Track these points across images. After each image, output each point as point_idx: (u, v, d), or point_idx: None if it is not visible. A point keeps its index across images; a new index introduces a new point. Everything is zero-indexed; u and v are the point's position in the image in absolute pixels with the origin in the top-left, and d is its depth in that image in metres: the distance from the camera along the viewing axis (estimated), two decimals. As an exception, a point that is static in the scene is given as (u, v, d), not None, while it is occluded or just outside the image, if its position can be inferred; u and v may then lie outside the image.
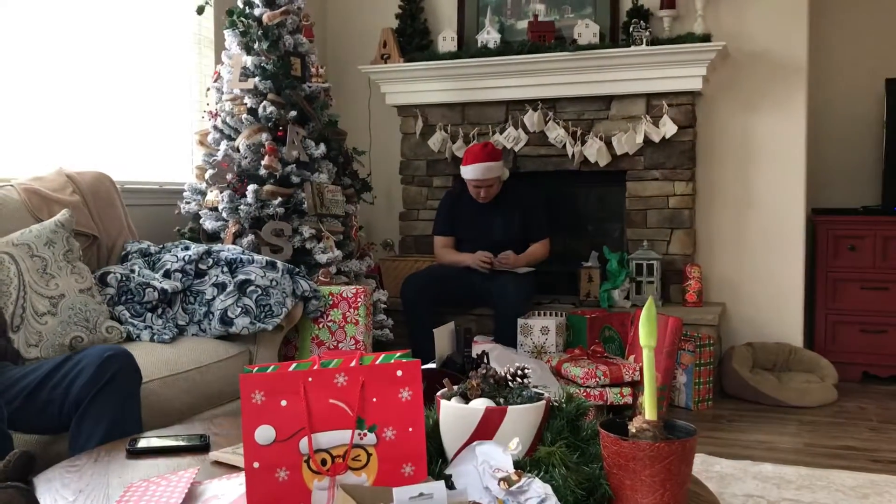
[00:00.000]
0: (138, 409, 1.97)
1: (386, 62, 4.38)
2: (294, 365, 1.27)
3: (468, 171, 3.88)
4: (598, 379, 3.18)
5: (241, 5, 3.42)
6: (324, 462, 1.22)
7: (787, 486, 2.59)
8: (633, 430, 1.21)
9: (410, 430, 1.24)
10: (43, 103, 3.07)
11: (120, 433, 1.83)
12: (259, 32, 3.34)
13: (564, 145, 4.15)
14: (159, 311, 2.69)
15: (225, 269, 2.80)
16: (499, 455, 1.23)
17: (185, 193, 3.46)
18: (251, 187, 3.20)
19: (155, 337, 2.56)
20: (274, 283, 2.76)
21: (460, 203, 4.05)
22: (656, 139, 4.01)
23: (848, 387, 3.90)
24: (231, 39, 3.42)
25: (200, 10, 3.52)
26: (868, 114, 4.42)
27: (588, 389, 3.18)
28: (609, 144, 4.09)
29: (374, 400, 1.24)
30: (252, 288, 2.73)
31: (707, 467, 2.75)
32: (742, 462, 2.82)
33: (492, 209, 3.97)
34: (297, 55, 3.45)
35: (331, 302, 2.97)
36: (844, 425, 3.34)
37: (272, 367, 1.25)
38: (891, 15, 4.40)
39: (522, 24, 4.33)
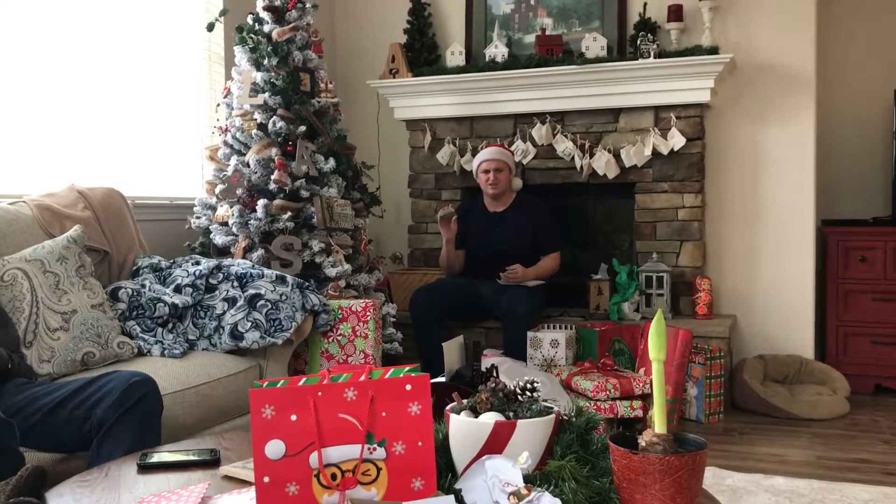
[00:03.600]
0: (158, 435, 2.00)
1: (394, 77, 4.41)
2: (304, 379, 1.27)
3: (479, 157, 3.98)
4: (608, 392, 3.17)
5: (250, 22, 3.46)
6: (334, 476, 1.23)
7: (799, 500, 2.57)
8: (644, 444, 1.21)
9: (420, 444, 1.24)
10: (54, 120, 3.10)
11: None
12: (269, 48, 3.37)
13: (573, 158, 4.16)
14: (170, 325, 2.71)
15: (235, 283, 2.81)
16: (508, 469, 1.23)
17: (195, 208, 3.48)
18: (261, 202, 3.22)
19: (166, 352, 2.57)
20: (284, 297, 2.77)
21: (471, 214, 4.07)
22: (665, 151, 4.02)
23: (860, 399, 3.88)
24: (241, 55, 3.45)
25: (210, 27, 3.55)
26: (877, 124, 4.41)
27: (598, 403, 3.17)
28: (617, 157, 4.09)
29: (384, 414, 1.24)
30: (262, 302, 2.74)
31: (718, 481, 2.73)
32: (754, 475, 2.80)
33: (503, 220, 3.99)
34: (307, 71, 3.47)
35: (340, 316, 2.97)
36: (857, 438, 3.32)
37: (282, 381, 1.26)
38: (899, 26, 4.41)
39: (530, 38, 4.35)
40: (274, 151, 3.31)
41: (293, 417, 1.22)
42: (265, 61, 3.37)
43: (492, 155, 3.93)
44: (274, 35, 3.37)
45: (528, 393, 1.43)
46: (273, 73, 3.35)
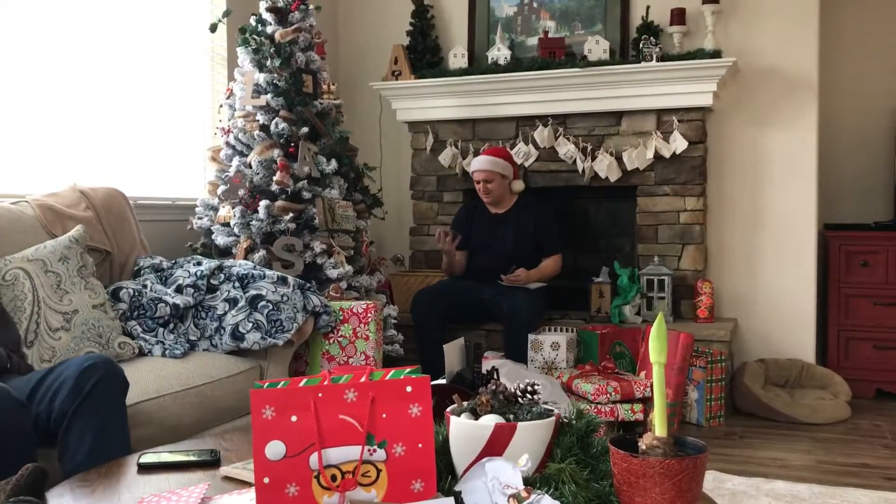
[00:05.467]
0: (124, 417, 1.92)
1: (397, 79, 4.41)
2: (304, 380, 1.27)
3: (472, 166, 3.99)
4: (608, 395, 3.17)
5: (253, 23, 3.46)
6: (334, 478, 1.23)
7: (800, 504, 2.57)
8: (644, 447, 1.21)
9: (420, 445, 1.25)
10: (57, 120, 3.11)
11: (106, 444, 1.81)
12: (271, 50, 3.37)
13: (575, 161, 4.16)
14: (171, 326, 2.71)
15: (236, 284, 2.81)
16: (508, 471, 1.23)
17: (197, 209, 3.48)
18: (263, 203, 3.22)
19: (167, 352, 2.57)
20: (285, 298, 2.77)
21: (475, 216, 4.08)
22: (667, 154, 4.02)
23: (861, 404, 3.87)
24: (244, 57, 3.45)
25: (213, 28, 3.56)
26: (879, 129, 4.41)
27: (599, 406, 3.16)
28: (619, 160, 4.10)
29: (384, 416, 1.24)
30: (263, 303, 2.74)
31: (719, 484, 2.73)
32: (754, 479, 2.80)
33: (504, 222, 3.99)
34: (309, 72, 3.48)
35: (341, 317, 2.97)
36: (858, 442, 3.31)
37: (283, 382, 1.26)
38: (902, 30, 4.40)
39: (533, 41, 4.35)
40: (276, 153, 3.32)
41: (293, 418, 1.23)
42: (268, 62, 3.37)
43: (480, 166, 3.90)
44: (277, 36, 3.38)
45: (529, 395, 1.43)
46: (275, 75, 3.35)
